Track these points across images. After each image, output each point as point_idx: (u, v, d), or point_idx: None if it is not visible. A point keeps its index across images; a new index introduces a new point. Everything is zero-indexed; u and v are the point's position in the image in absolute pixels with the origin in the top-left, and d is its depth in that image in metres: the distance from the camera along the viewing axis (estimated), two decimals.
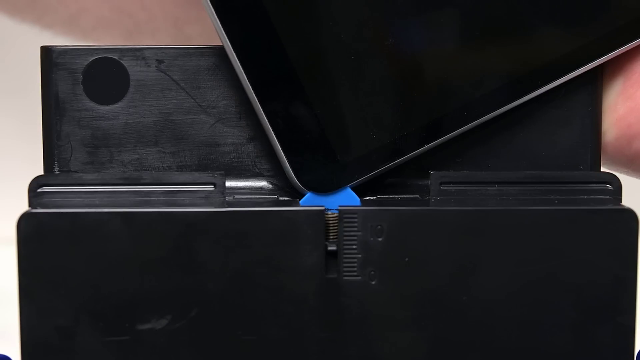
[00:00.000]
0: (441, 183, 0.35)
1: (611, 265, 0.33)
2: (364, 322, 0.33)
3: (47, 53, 0.35)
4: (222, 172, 0.34)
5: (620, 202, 0.35)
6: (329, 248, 0.33)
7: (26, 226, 0.32)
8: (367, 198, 0.35)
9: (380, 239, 0.33)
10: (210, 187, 0.34)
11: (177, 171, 0.36)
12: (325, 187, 0.35)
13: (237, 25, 0.34)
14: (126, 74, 0.35)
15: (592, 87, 0.36)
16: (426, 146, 0.35)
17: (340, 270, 0.33)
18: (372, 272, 0.33)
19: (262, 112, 0.34)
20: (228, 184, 0.35)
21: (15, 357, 0.34)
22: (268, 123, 0.34)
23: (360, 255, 0.33)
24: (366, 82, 0.34)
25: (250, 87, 0.34)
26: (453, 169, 0.36)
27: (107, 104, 0.36)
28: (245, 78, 0.34)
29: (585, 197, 0.35)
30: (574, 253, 0.33)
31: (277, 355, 0.33)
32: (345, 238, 0.33)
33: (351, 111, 0.35)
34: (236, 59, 0.34)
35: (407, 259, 0.33)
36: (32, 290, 0.32)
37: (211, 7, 0.34)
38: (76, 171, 0.35)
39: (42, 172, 0.35)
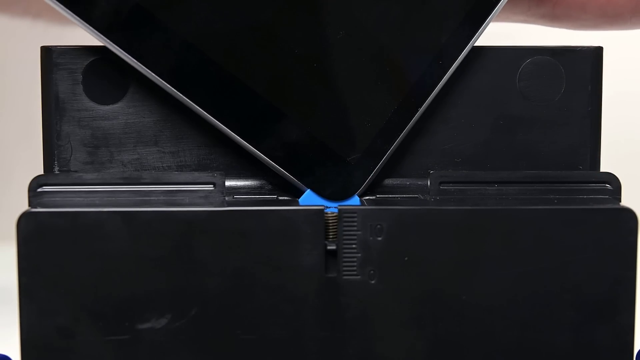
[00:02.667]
0: (441, 183, 0.35)
1: (611, 265, 0.33)
2: (364, 321, 0.33)
3: (47, 53, 0.35)
4: (222, 172, 0.35)
5: (620, 201, 0.35)
6: (329, 247, 0.33)
7: (26, 225, 0.32)
8: (367, 197, 0.35)
9: (379, 239, 0.33)
10: (209, 187, 0.34)
11: (177, 171, 0.36)
12: (349, 190, 0.35)
13: (201, 90, 0.34)
14: (126, 74, 0.35)
15: (592, 87, 0.36)
16: (416, 116, 0.35)
17: (340, 269, 0.33)
18: (372, 272, 0.33)
19: (260, 154, 0.35)
20: (228, 183, 0.35)
21: (15, 356, 0.34)
22: (271, 161, 0.35)
23: (359, 255, 0.33)
24: (336, 81, 0.35)
25: (239, 137, 0.34)
26: (453, 168, 0.36)
27: (107, 104, 0.36)
28: (230, 132, 0.34)
29: (585, 196, 0.35)
30: (574, 252, 0.33)
31: (277, 354, 0.33)
32: (345, 237, 0.33)
33: (336, 112, 0.35)
34: (215, 120, 0.34)
35: (406, 259, 0.33)
36: (32, 290, 0.32)
37: (176, 91, 0.34)
38: (76, 171, 0.35)
39: (42, 172, 0.35)
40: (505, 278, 0.33)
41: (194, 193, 0.34)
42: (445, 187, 0.35)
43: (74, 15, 0.34)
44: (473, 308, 0.33)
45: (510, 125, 0.36)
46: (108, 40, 0.34)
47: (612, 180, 0.35)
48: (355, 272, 0.33)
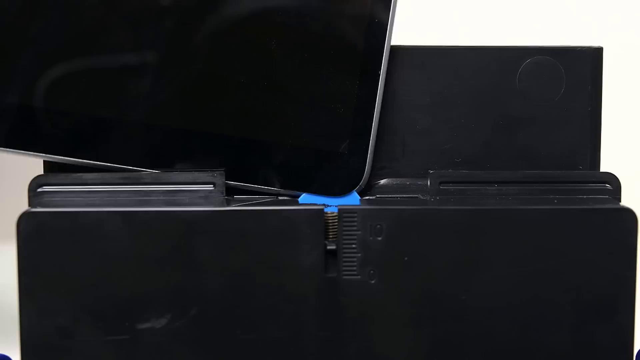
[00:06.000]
0: (440, 182, 0.35)
1: (610, 264, 0.33)
2: (363, 321, 0.33)
3: None
4: (222, 171, 0.35)
5: (620, 201, 0.35)
6: (329, 247, 0.33)
7: (26, 225, 0.32)
8: (367, 197, 0.35)
9: (379, 238, 0.33)
10: (209, 187, 0.34)
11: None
12: (355, 178, 0.35)
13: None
14: None
15: (592, 87, 0.36)
16: (380, 82, 0.35)
17: (340, 269, 0.33)
18: (372, 272, 0.33)
19: (260, 187, 0.35)
20: None
21: (15, 356, 0.34)
22: (274, 189, 0.35)
23: (359, 255, 0.33)
24: (288, 89, 0.35)
25: (232, 182, 0.35)
26: (453, 168, 0.36)
27: None
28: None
29: (585, 196, 0.35)
30: (574, 252, 0.33)
31: (277, 354, 0.33)
32: (345, 237, 0.33)
33: (305, 114, 0.35)
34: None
35: (406, 258, 0.33)
36: (32, 290, 0.32)
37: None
38: (76, 171, 0.35)
39: (42, 172, 0.35)
40: (505, 278, 0.33)
41: (194, 193, 0.34)
42: (445, 187, 0.35)
43: None
44: (473, 308, 0.33)
45: (510, 125, 0.36)
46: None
47: (612, 180, 0.35)
48: (355, 272, 0.33)
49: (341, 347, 0.33)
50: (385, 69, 0.35)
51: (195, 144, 0.35)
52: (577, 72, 0.36)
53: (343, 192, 0.35)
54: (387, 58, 0.35)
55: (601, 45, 0.37)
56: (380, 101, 0.35)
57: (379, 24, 0.35)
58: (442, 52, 0.36)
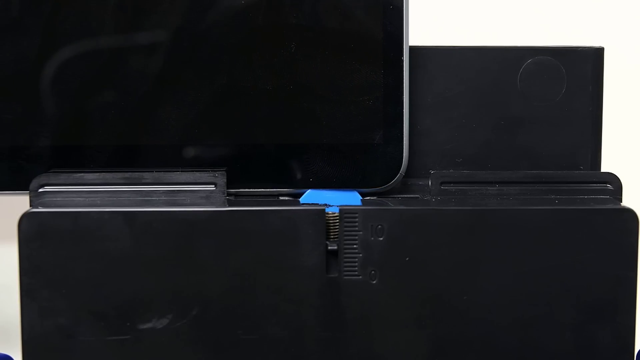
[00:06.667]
0: (442, 183, 0.35)
1: (611, 265, 0.33)
2: (365, 321, 0.33)
3: None
4: (223, 171, 0.35)
5: (621, 202, 0.35)
6: (330, 247, 0.33)
7: (27, 226, 0.32)
8: (368, 198, 0.35)
9: (380, 239, 0.33)
10: (211, 187, 0.34)
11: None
12: (393, 170, 0.35)
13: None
14: None
15: (593, 88, 0.36)
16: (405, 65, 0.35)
17: (341, 269, 0.33)
18: (373, 272, 0.33)
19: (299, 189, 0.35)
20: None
21: (17, 356, 0.34)
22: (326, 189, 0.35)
23: (360, 255, 0.33)
24: (321, 86, 0.35)
25: (273, 189, 0.35)
26: (454, 168, 0.36)
27: None
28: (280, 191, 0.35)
29: (586, 197, 0.35)
30: (574, 253, 0.33)
31: (278, 354, 0.33)
32: (346, 237, 0.33)
33: (337, 107, 0.35)
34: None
35: (407, 259, 0.33)
36: (34, 290, 0.32)
37: None
38: (77, 171, 0.35)
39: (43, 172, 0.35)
40: (506, 278, 0.33)
41: (195, 193, 0.34)
42: (446, 187, 0.35)
43: None
44: (474, 308, 0.33)
45: (511, 126, 0.36)
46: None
47: (613, 181, 0.35)
48: (356, 273, 0.33)
49: (342, 347, 0.33)
50: (408, 53, 0.35)
51: (231, 157, 0.35)
52: (578, 73, 0.36)
53: (385, 182, 0.35)
54: (407, 42, 0.35)
55: (602, 46, 0.37)
56: (407, 87, 0.35)
57: (395, 10, 0.35)
58: (443, 52, 0.36)
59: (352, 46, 0.35)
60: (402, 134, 0.35)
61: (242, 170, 0.35)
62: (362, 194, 0.35)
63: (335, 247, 0.33)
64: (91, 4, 0.34)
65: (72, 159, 0.35)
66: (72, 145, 0.35)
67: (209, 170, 0.35)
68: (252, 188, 0.35)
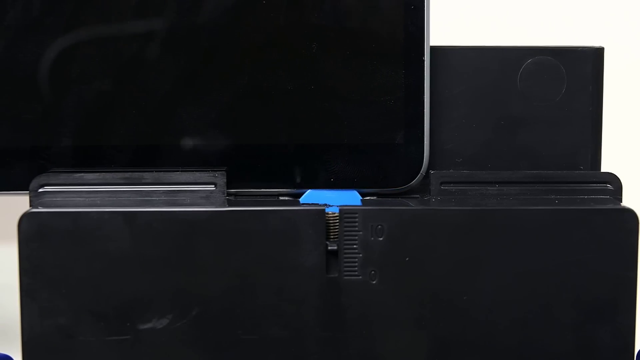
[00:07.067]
0: (442, 183, 0.35)
1: (611, 265, 0.33)
2: (365, 321, 0.33)
3: None
4: (223, 171, 0.35)
5: (621, 202, 0.35)
6: (330, 247, 0.33)
7: (27, 226, 0.32)
8: (368, 198, 0.35)
9: (380, 239, 0.33)
10: (211, 187, 0.34)
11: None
12: (414, 170, 0.35)
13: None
14: None
15: (593, 88, 0.36)
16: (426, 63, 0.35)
17: (341, 269, 0.33)
18: (373, 272, 0.33)
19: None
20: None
21: (17, 356, 0.34)
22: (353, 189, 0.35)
23: (360, 255, 0.33)
24: (340, 88, 0.35)
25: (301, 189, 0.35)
26: (454, 168, 0.36)
27: None
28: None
29: (586, 197, 0.35)
30: (574, 253, 0.33)
31: (278, 354, 0.33)
32: (346, 238, 0.33)
33: (354, 110, 0.35)
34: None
35: (407, 259, 0.33)
36: (34, 290, 0.32)
37: None
38: (77, 171, 0.35)
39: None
40: (506, 278, 0.33)
41: (195, 193, 0.34)
42: (446, 187, 0.35)
43: None
44: (474, 308, 0.33)
45: (511, 126, 0.36)
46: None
47: (613, 181, 0.35)
48: (356, 273, 0.33)
49: (342, 347, 0.33)
50: (429, 53, 0.35)
51: (254, 157, 0.35)
52: (578, 72, 0.36)
53: (405, 182, 0.35)
54: (429, 42, 0.35)
55: (602, 46, 0.37)
56: (429, 87, 0.35)
57: (416, 10, 0.35)
58: (443, 52, 0.36)
59: (373, 46, 0.35)
60: (423, 134, 0.35)
61: (264, 172, 0.35)
62: (383, 194, 0.35)
63: (335, 247, 0.33)
64: (112, 5, 0.34)
65: (90, 159, 0.35)
66: (90, 145, 0.35)
67: (208, 170, 0.35)
68: (269, 188, 0.35)
